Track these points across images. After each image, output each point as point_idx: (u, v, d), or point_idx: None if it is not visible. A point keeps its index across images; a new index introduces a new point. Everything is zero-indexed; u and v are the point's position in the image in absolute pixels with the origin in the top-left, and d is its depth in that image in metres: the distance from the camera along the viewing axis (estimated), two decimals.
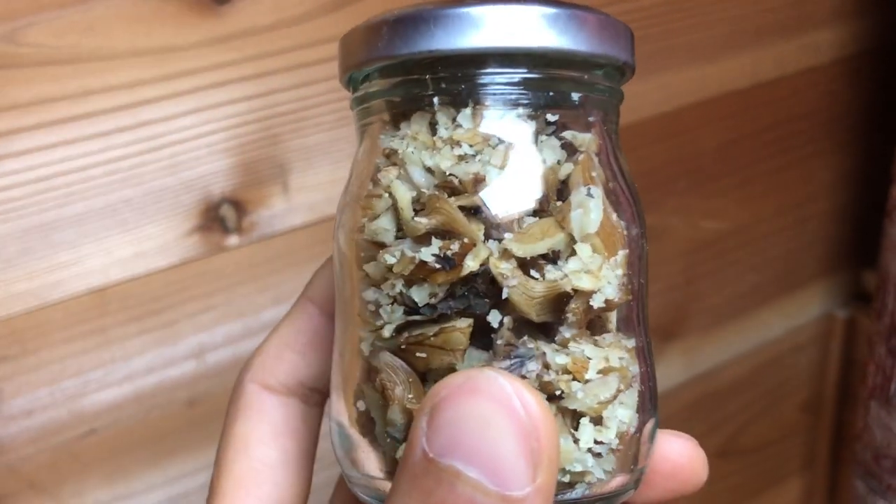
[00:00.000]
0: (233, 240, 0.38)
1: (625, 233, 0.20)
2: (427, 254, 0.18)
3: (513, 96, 0.19)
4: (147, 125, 0.35)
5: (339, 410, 0.21)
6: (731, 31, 0.51)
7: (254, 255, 0.39)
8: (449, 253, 0.18)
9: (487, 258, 0.18)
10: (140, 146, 0.35)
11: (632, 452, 0.19)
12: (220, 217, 0.38)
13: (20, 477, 0.36)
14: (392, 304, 0.19)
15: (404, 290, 0.18)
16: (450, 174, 0.18)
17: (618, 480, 0.19)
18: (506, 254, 0.18)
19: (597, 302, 0.18)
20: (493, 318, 0.18)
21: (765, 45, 0.53)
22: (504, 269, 0.18)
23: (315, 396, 0.24)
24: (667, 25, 0.49)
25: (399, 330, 0.19)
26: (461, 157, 0.18)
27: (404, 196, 0.18)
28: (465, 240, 0.18)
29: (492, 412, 0.16)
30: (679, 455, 0.22)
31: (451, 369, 0.18)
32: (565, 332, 0.18)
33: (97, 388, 0.37)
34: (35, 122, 0.33)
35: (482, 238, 0.18)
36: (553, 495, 0.16)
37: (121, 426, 0.38)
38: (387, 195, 0.19)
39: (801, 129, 0.58)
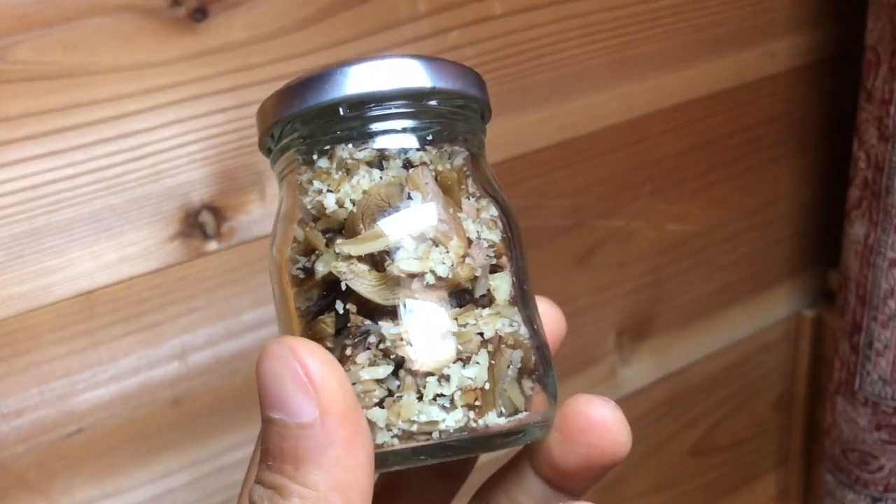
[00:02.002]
0: (212, 245, 0.40)
1: (462, 225, 0.24)
2: (295, 269, 0.24)
3: (355, 135, 0.24)
4: (130, 136, 0.37)
5: None
6: (690, 42, 0.53)
7: (233, 259, 0.41)
8: (308, 264, 0.23)
9: (331, 263, 0.23)
10: (123, 156, 0.37)
11: (499, 402, 0.23)
12: (200, 223, 0.40)
13: (11, 474, 0.38)
14: (297, 312, 0.24)
15: (295, 303, 0.24)
16: (310, 207, 0.24)
17: (489, 427, 0.23)
18: (347, 257, 0.23)
19: (429, 279, 0.22)
20: (338, 306, 0.23)
21: (724, 54, 0.55)
22: (342, 266, 0.23)
23: None
24: (628, 37, 0.51)
25: (303, 330, 0.24)
26: (318, 191, 0.23)
27: (298, 234, 0.24)
28: (317, 252, 0.23)
29: (278, 368, 0.20)
30: (591, 409, 0.25)
31: None
32: (416, 309, 0.22)
33: (85, 388, 0.39)
34: (23, 135, 0.35)
35: (325, 248, 0.23)
36: (349, 419, 0.20)
37: (108, 425, 0.40)
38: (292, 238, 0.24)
39: (762, 135, 0.60)
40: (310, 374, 0.20)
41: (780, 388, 0.70)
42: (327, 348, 0.22)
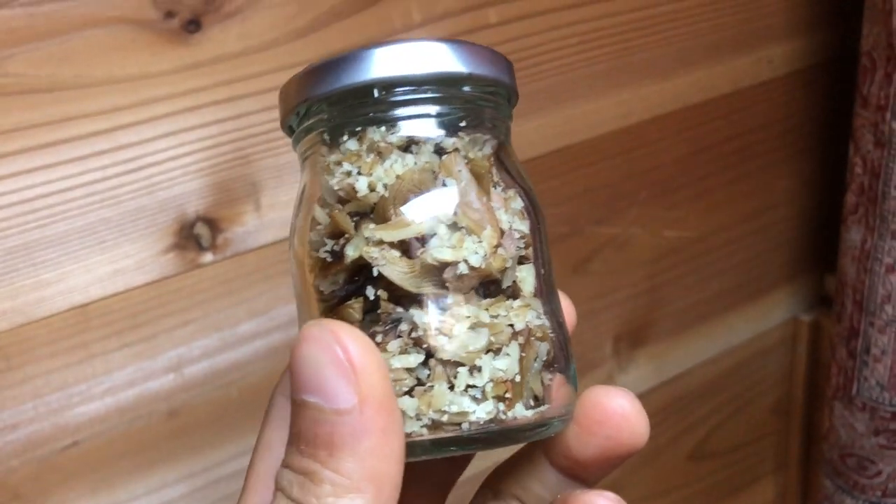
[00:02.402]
0: (207, 257, 0.40)
1: (493, 214, 0.23)
2: (323, 251, 0.23)
3: (386, 118, 0.23)
4: (124, 149, 0.37)
5: None
6: (686, 48, 0.53)
7: (228, 271, 0.41)
8: (336, 248, 0.23)
9: (361, 247, 0.22)
10: (117, 169, 0.37)
11: (526, 395, 0.23)
12: (195, 235, 0.39)
13: (6, 489, 0.38)
14: (317, 296, 0.23)
15: (316, 285, 0.23)
16: (337, 188, 0.23)
17: (517, 419, 0.22)
18: (379, 242, 0.22)
19: (462, 269, 0.22)
20: (369, 292, 0.22)
21: (719, 60, 0.55)
22: (373, 252, 0.22)
23: None
24: (623, 44, 0.51)
25: (324, 314, 0.23)
26: (347, 174, 0.23)
27: (319, 214, 0.23)
28: (347, 235, 0.23)
29: (317, 351, 0.20)
30: (609, 401, 0.25)
31: None
32: (448, 298, 0.22)
33: (80, 402, 0.39)
34: (17, 148, 0.35)
35: (354, 232, 0.22)
36: (386, 407, 0.20)
37: (103, 438, 0.40)
38: (311, 217, 0.24)
39: (758, 140, 0.60)
40: (351, 360, 0.19)
41: (777, 393, 0.70)
42: None
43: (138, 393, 0.40)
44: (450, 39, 0.23)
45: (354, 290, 0.22)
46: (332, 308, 0.23)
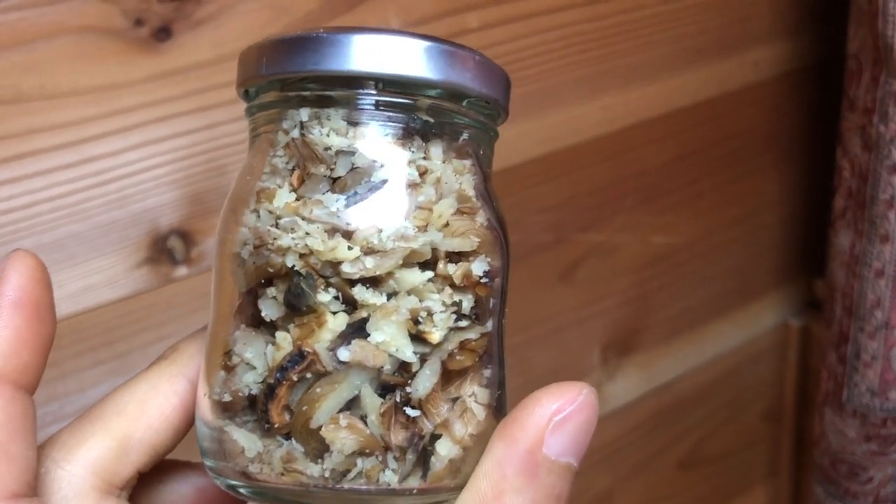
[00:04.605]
0: (182, 270, 0.39)
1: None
2: (479, 268, 0.22)
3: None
4: (92, 161, 0.36)
5: (206, 412, 0.22)
6: (671, 51, 0.53)
7: (203, 285, 0.40)
8: (489, 270, 0.22)
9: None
10: (86, 182, 0.36)
11: None
12: (169, 249, 0.38)
13: None
14: (446, 310, 0.21)
15: (454, 298, 0.22)
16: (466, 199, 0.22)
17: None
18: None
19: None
20: (490, 325, 0.23)
21: (706, 63, 0.55)
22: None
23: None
24: (608, 48, 0.50)
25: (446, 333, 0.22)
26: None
27: (447, 209, 0.22)
28: (491, 260, 0.22)
29: (591, 419, 0.21)
30: None
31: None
32: None
33: (52, 421, 0.38)
34: None
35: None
36: None
37: None
38: (429, 211, 0.22)
39: (745, 144, 0.59)
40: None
41: (768, 399, 0.70)
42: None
43: None
44: (453, 43, 0.22)
45: (476, 319, 0.22)
46: (465, 330, 0.22)
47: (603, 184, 0.53)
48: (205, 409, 0.22)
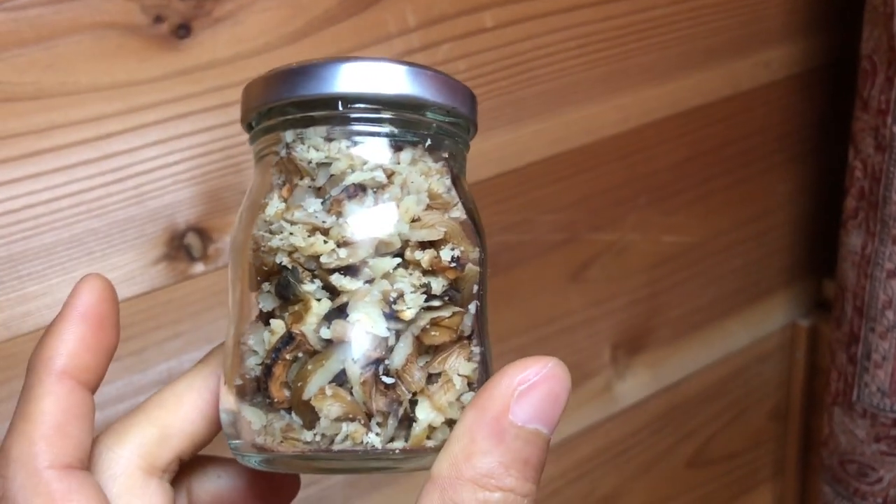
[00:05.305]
0: (198, 267, 0.39)
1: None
2: (447, 254, 0.24)
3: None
4: (111, 157, 0.36)
5: (226, 399, 0.25)
6: (684, 51, 0.53)
7: (219, 281, 0.40)
8: (457, 255, 0.25)
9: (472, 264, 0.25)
10: (105, 178, 0.36)
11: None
12: (186, 245, 0.38)
13: None
14: (415, 291, 0.24)
15: (424, 280, 0.24)
16: (437, 195, 0.25)
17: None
18: (474, 262, 0.26)
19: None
20: (472, 307, 0.25)
21: (718, 63, 0.55)
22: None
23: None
24: (621, 48, 0.50)
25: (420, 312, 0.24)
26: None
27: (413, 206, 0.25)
28: (463, 248, 0.25)
29: (560, 389, 0.23)
30: None
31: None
32: None
33: None
34: (0, 158, 0.34)
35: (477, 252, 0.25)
36: None
37: None
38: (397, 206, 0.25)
39: (757, 144, 0.59)
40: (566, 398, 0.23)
41: (775, 399, 0.70)
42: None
43: (128, 408, 0.39)
44: (424, 67, 0.25)
45: (453, 299, 0.25)
46: (437, 309, 0.24)
47: (615, 183, 0.53)
48: (225, 398, 0.26)
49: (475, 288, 0.25)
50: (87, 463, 0.24)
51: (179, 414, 0.26)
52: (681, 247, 0.58)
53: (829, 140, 0.63)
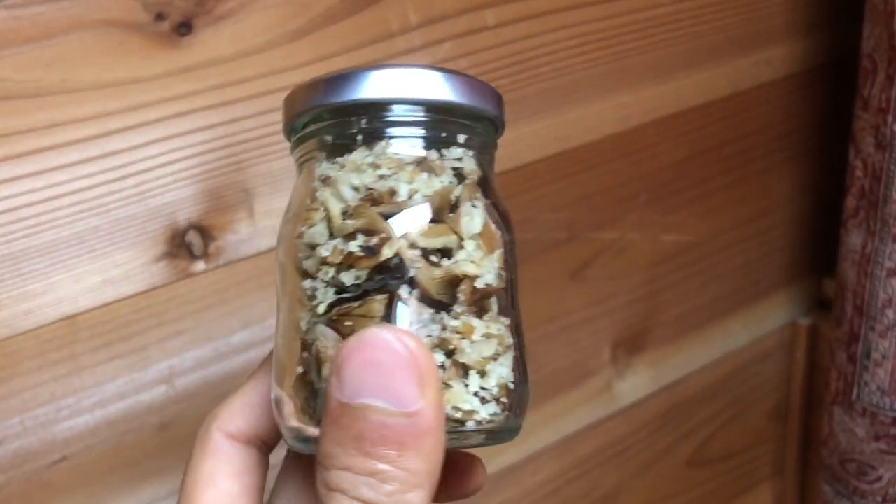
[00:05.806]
0: (200, 265, 0.39)
1: (500, 238, 0.26)
2: (354, 245, 0.24)
3: (416, 134, 0.25)
4: (113, 155, 0.36)
5: (277, 392, 0.26)
6: (685, 50, 0.53)
7: (221, 279, 0.40)
8: (371, 244, 0.24)
9: (399, 248, 0.24)
10: (106, 176, 0.36)
11: (513, 404, 0.25)
12: (187, 243, 0.38)
13: None
14: (326, 287, 0.24)
15: (335, 276, 0.24)
16: (370, 188, 0.24)
17: (504, 423, 0.25)
18: (412, 245, 0.24)
19: (479, 284, 0.24)
20: (404, 291, 0.24)
21: (719, 62, 0.55)
22: (412, 254, 0.24)
23: (265, 446, 0.28)
24: (622, 46, 0.50)
25: (331, 306, 0.24)
26: (381, 177, 0.25)
27: (335, 206, 0.25)
28: (383, 235, 0.24)
29: (381, 356, 0.21)
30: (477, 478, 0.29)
31: None
32: (458, 308, 0.24)
33: (69, 415, 0.38)
34: (1, 155, 0.34)
35: (395, 234, 0.24)
36: (441, 408, 0.22)
37: (93, 452, 0.39)
38: (322, 208, 0.25)
39: (757, 143, 0.59)
40: (420, 363, 0.21)
41: (775, 398, 0.70)
42: None
43: (129, 406, 0.39)
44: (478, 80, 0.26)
45: (378, 287, 0.24)
46: (349, 300, 0.24)
47: (615, 182, 0.53)
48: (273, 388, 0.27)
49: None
50: (251, 439, 0.27)
51: (254, 396, 0.28)
52: (681, 245, 0.58)
53: (829, 139, 0.63)
